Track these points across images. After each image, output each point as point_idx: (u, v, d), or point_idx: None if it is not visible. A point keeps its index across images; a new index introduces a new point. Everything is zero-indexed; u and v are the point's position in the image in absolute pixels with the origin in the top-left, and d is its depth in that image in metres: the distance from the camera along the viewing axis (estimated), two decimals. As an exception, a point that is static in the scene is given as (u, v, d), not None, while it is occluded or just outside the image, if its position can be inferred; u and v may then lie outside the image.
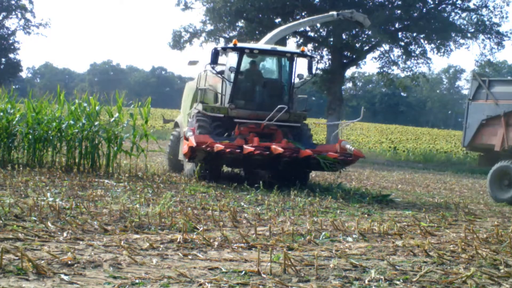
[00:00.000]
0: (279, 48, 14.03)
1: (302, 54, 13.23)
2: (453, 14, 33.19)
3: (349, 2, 30.71)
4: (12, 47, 54.19)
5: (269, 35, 18.19)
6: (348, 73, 38.53)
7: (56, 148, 12.89)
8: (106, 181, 10.64)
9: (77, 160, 12.57)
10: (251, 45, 15.29)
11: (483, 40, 32.74)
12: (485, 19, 32.55)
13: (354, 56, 33.43)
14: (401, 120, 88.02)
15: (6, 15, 53.46)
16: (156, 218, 6.83)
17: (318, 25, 29.97)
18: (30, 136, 12.61)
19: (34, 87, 57.70)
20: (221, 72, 13.20)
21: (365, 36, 32.33)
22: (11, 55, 54.28)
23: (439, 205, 10.71)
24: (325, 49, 33.57)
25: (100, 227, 6.13)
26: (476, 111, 13.19)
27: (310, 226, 7.01)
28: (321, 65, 33.90)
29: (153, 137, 13.48)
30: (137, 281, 4.27)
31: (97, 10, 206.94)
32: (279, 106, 12.20)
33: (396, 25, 32.60)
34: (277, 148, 11.16)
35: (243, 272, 4.67)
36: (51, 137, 12.68)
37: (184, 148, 11.61)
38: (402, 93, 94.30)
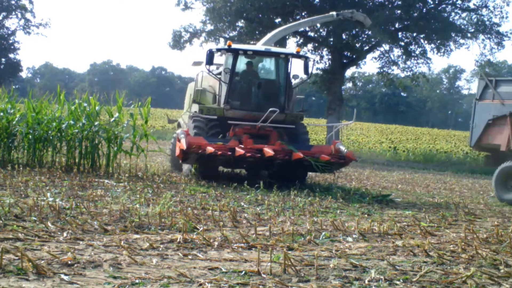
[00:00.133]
0: (273, 49, 14.08)
1: (297, 55, 13.28)
2: (453, 14, 33.20)
3: (349, 2, 30.71)
4: (12, 47, 54.22)
5: (269, 35, 18.23)
6: (348, 73, 38.55)
7: (56, 148, 12.89)
8: (106, 181, 10.64)
9: (77, 160, 12.58)
10: (245, 46, 15.42)
11: (483, 40, 32.75)
12: (485, 19, 32.56)
13: (354, 56, 33.43)
14: (401, 120, 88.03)
15: (6, 15, 53.48)
16: (156, 218, 6.83)
17: (318, 25, 29.99)
18: (30, 136, 12.61)
19: (34, 87, 57.72)
20: (219, 73, 13.27)
21: (365, 36, 32.34)
22: (11, 55, 54.31)
23: (439, 205, 10.71)
24: (325, 49, 33.57)
25: (100, 227, 6.13)
26: (483, 111, 13.15)
27: (310, 226, 7.01)
28: (321, 65, 33.95)
29: (153, 137, 13.48)
30: (137, 281, 4.27)
31: (97, 10, 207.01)
32: (270, 109, 12.31)
33: (396, 25, 32.60)
34: (268, 151, 11.25)
35: (243, 272, 4.67)
36: (51, 137, 12.68)
37: (177, 150, 11.72)
38: (402, 93, 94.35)
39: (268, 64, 14.42)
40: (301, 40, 33.52)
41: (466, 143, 46.91)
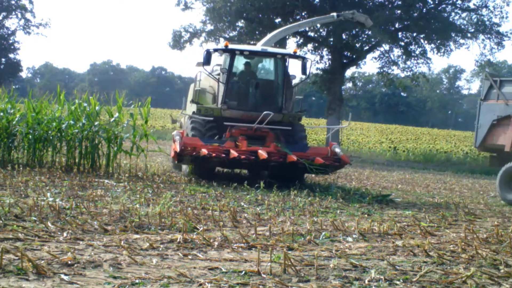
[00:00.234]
0: (270, 49, 14.14)
1: (294, 56, 13.33)
2: (453, 14, 33.20)
3: (349, 2, 30.71)
4: (12, 47, 54.23)
5: (269, 36, 18.27)
6: (348, 73, 38.57)
7: (56, 148, 12.89)
8: (106, 181, 10.64)
9: (77, 160, 12.58)
10: (242, 46, 15.49)
11: (483, 40, 32.76)
12: (485, 19, 32.56)
13: (354, 56, 33.43)
14: (401, 120, 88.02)
15: (6, 15, 53.49)
16: (156, 218, 6.83)
17: (318, 25, 30.00)
18: (30, 136, 12.61)
19: (34, 87, 57.76)
20: (218, 73, 13.32)
21: (365, 36, 32.34)
22: (11, 55, 54.33)
23: (439, 205, 10.71)
24: (325, 49, 33.58)
25: (100, 227, 6.13)
26: (487, 111, 13.10)
27: (310, 226, 7.01)
28: (321, 65, 33.97)
29: (153, 137, 13.49)
30: (137, 281, 4.27)
31: (97, 10, 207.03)
32: (264, 113, 12.38)
33: (396, 25, 32.60)
34: (262, 154, 11.34)
35: (243, 272, 4.67)
36: (51, 137, 12.68)
37: (171, 151, 11.83)
38: (402, 93, 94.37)
39: (266, 64, 14.48)
40: (301, 40, 33.52)
41: (466, 143, 46.93)
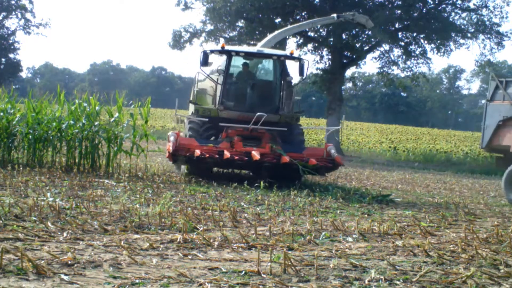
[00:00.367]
0: (266, 51, 14.25)
1: (291, 57, 13.40)
2: (453, 14, 33.22)
3: (349, 3, 30.74)
4: (12, 47, 54.27)
5: (269, 37, 18.38)
6: (348, 73, 38.60)
7: (56, 148, 12.89)
8: (106, 181, 10.64)
9: (77, 160, 12.58)
10: (239, 48, 15.65)
11: (483, 40, 32.77)
12: (485, 19, 32.57)
13: (354, 56, 33.44)
14: (401, 120, 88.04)
15: (6, 15, 53.52)
16: (156, 218, 6.83)
17: (318, 25, 30.03)
18: (30, 136, 12.61)
19: (34, 87, 57.76)
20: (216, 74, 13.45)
21: (365, 36, 32.36)
22: (11, 55, 54.37)
23: (439, 205, 10.71)
24: (325, 49, 33.59)
25: (100, 227, 6.13)
26: (494, 112, 13.04)
27: (310, 226, 7.01)
28: (321, 65, 33.99)
29: (153, 137, 13.49)
30: (137, 281, 4.27)
31: (97, 10, 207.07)
32: (257, 114, 12.47)
33: (396, 25, 32.62)
34: (255, 155, 11.44)
35: (243, 272, 4.67)
36: (51, 137, 12.68)
37: (167, 152, 11.92)
38: (402, 93, 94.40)
39: (263, 65, 14.56)
40: (301, 40, 33.54)
41: (466, 143, 46.94)
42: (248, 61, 13.84)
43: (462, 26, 32.90)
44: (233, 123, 12.66)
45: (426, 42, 33.01)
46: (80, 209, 7.11)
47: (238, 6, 31.15)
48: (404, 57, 33.45)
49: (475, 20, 32.72)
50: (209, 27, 33.59)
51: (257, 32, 32.03)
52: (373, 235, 6.82)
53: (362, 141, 42.41)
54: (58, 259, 4.65)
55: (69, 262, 4.60)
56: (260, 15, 31.73)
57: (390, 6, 32.03)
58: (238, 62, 13.81)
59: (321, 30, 32.46)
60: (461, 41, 32.86)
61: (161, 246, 5.52)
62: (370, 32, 29.90)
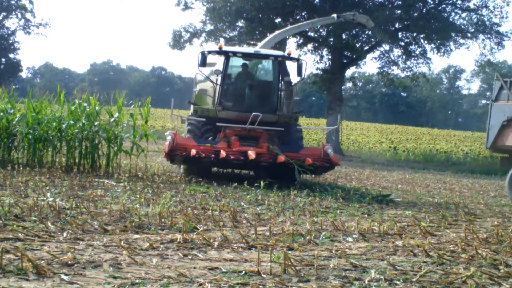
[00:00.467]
0: (263, 51, 14.36)
1: (288, 57, 13.49)
2: (453, 14, 33.22)
3: (349, 2, 30.74)
4: (12, 47, 54.29)
5: (269, 37, 18.47)
6: (348, 73, 38.61)
7: (56, 148, 12.90)
8: (106, 181, 10.64)
9: (77, 160, 12.58)
10: (236, 48, 15.79)
11: (483, 40, 32.77)
12: (485, 19, 32.57)
13: (354, 56, 33.44)
14: (401, 120, 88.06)
15: (6, 15, 53.54)
16: (156, 218, 6.83)
17: (318, 25, 30.06)
18: (30, 136, 12.61)
19: (34, 87, 57.78)
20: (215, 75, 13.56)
21: (365, 36, 32.36)
22: (11, 55, 54.38)
23: (439, 205, 10.71)
24: (325, 49, 33.59)
25: (100, 227, 6.13)
26: (498, 112, 13.00)
27: (310, 226, 7.01)
28: (321, 65, 34.00)
29: (153, 137, 13.50)
30: (137, 281, 4.27)
31: (97, 10, 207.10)
32: (253, 114, 12.53)
33: (396, 25, 32.62)
34: (251, 154, 11.50)
35: (243, 272, 4.67)
36: (51, 137, 12.69)
37: (163, 151, 12.02)
38: (402, 93, 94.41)
39: (261, 66, 14.64)
40: (301, 40, 33.54)
41: (466, 143, 46.95)
42: (247, 62, 13.91)
43: (462, 26, 32.90)
44: (231, 123, 12.71)
45: (426, 42, 33.01)
46: (80, 209, 7.11)
47: (238, 6, 31.15)
48: (404, 57, 33.45)
49: (475, 20, 32.72)
50: (209, 27, 33.59)
51: (257, 32, 32.03)
52: (373, 235, 6.82)
53: (362, 141, 42.41)
54: (58, 259, 4.65)
55: (69, 262, 4.60)
56: (260, 15, 31.73)
57: (390, 6, 32.03)
58: (237, 63, 13.89)
59: (321, 30, 32.46)
60: (461, 41, 32.87)
61: (161, 246, 5.52)
62: (370, 32, 29.92)
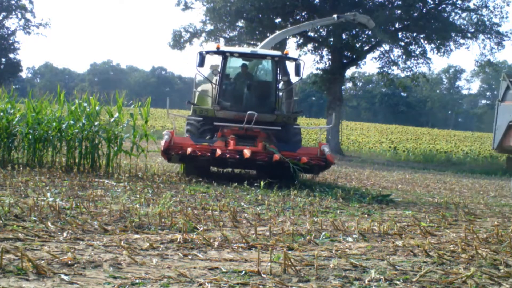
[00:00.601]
0: (260, 51, 14.48)
1: (285, 57, 13.56)
2: (453, 14, 33.21)
3: (349, 2, 30.74)
4: (12, 47, 54.31)
5: (269, 38, 18.58)
6: (348, 73, 38.61)
7: (56, 148, 12.90)
8: (106, 181, 10.64)
9: (77, 160, 12.58)
10: (233, 48, 15.99)
11: (483, 40, 32.76)
12: (485, 19, 32.56)
13: (354, 56, 33.45)
14: (401, 120, 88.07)
15: (6, 15, 53.56)
16: (156, 218, 6.83)
17: (318, 26, 30.08)
18: (30, 136, 12.61)
19: (34, 87, 57.74)
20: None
21: (365, 36, 32.36)
22: (11, 55, 54.41)
23: (439, 205, 10.71)
24: (325, 49, 33.59)
25: (100, 227, 6.13)
26: (504, 112, 12.88)
27: (310, 226, 7.01)
28: (321, 65, 34.00)
29: (153, 137, 13.50)
30: (137, 281, 4.27)
31: (97, 10, 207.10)
32: (248, 113, 12.61)
33: (396, 25, 32.61)
34: (246, 153, 11.58)
35: (243, 272, 4.67)
36: (51, 137, 12.69)
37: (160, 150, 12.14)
38: (402, 93, 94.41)
39: (260, 66, 14.72)
40: (301, 40, 33.54)
41: (466, 143, 46.95)
42: (247, 63, 13.99)
43: (462, 26, 32.90)
44: (229, 123, 12.78)
45: (426, 42, 33.01)
46: (80, 209, 7.11)
47: (238, 6, 31.15)
48: (404, 57, 33.45)
49: (475, 20, 32.71)
50: (209, 27, 33.59)
51: (257, 32, 32.04)
52: (373, 235, 6.82)
53: (362, 141, 42.42)
54: (58, 259, 4.65)
55: (69, 262, 4.60)
56: (260, 15, 31.73)
57: (390, 6, 32.03)
58: (237, 63, 13.98)
59: (321, 30, 32.47)
60: (461, 41, 32.86)
61: (161, 246, 5.51)
62: (370, 32, 29.92)
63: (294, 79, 14.16)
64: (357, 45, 32.82)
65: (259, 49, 15.13)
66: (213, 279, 4.41)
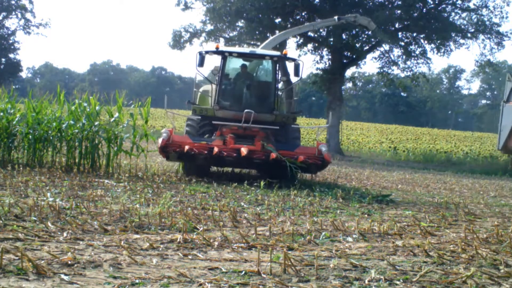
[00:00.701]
0: (259, 51, 14.58)
1: (284, 57, 13.62)
2: (453, 14, 33.23)
3: (349, 2, 30.75)
4: (12, 47, 54.33)
5: (270, 39, 18.71)
6: (348, 73, 38.61)
7: (56, 148, 12.90)
8: (106, 181, 10.64)
9: (77, 160, 12.58)
10: (232, 48, 16.11)
11: (483, 40, 32.78)
12: (485, 19, 32.58)
13: (354, 56, 33.46)
14: (401, 120, 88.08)
15: (6, 15, 53.58)
16: (156, 218, 6.83)
17: (319, 27, 30.11)
18: (30, 136, 12.61)
19: (34, 87, 57.77)
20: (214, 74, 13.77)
21: (365, 36, 32.37)
22: (11, 55, 54.42)
23: (439, 205, 10.70)
24: (325, 49, 33.60)
25: (100, 227, 6.13)
26: (509, 113, 12.83)
27: (310, 226, 7.00)
28: (321, 65, 34.01)
29: (153, 137, 13.51)
30: (137, 281, 4.27)
31: (97, 10, 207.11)
32: (245, 111, 12.72)
33: (396, 25, 32.62)
34: (243, 151, 11.66)
35: (243, 272, 4.67)
36: (51, 137, 12.69)
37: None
38: (402, 93, 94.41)
39: (262, 66, 14.76)
40: (301, 40, 33.55)
41: (466, 143, 46.94)
42: (246, 63, 14.06)
43: (462, 26, 32.90)
44: (228, 122, 12.85)
45: (426, 42, 33.02)
46: (80, 209, 7.11)
47: (238, 6, 31.15)
48: (404, 57, 33.46)
49: (475, 20, 32.72)
50: (209, 27, 33.60)
51: (257, 32, 32.04)
52: (373, 235, 6.82)
53: (362, 141, 42.42)
54: (58, 259, 4.65)
55: (69, 262, 4.60)
56: (260, 15, 31.74)
57: (390, 6, 32.03)
58: (237, 64, 14.06)
59: (321, 30, 32.47)
60: (461, 41, 32.87)
61: (161, 246, 5.51)
62: (370, 32, 29.93)
63: (293, 79, 14.18)
64: (357, 45, 32.83)
65: (257, 49, 15.19)
66: (213, 279, 4.41)
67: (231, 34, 33.72)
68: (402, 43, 33.10)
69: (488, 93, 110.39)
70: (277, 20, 32.63)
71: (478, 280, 4.80)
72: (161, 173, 12.84)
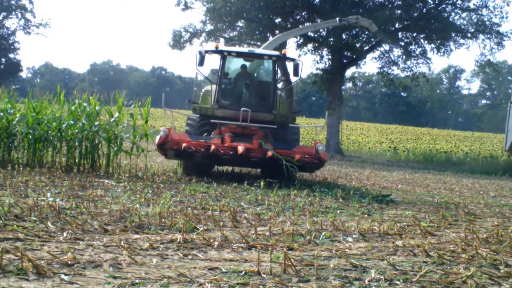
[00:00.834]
0: (258, 51, 14.67)
1: (282, 57, 13.70)
2: (453, 14, 33.24)
3: (349, 3, 30.75)
4: (12, 47, 54.34)
5: (271, 40, 18.79)
6: (348, 73, 38.64)
7: (56, 148, 12.90)
8: (106, 181, 10.64)
9: (77, 160, 12.58)
10: (231, 48, 16.21)
11: (483, 40, 32.79)
12: (485, 19, 32.60)
13: (354, 56, 33.46)
14: (401, 120, 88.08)
15: (6, 15, 53.58)
16: (156, 218, 6.83)
17: (320, 28, 30.13)
18: (30, 136, 12.61)
19: (34, 87, 57.79)
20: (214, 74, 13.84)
21: (365, 36, 32.37)
22: (11, 55, 54.43)
23: (439, 205, 10.70)
24: (325, 49, 33.61)
25: (100, 227, 6.13)
26: None
27: (310, 226, 7.00)
28: (321, 65, 34.02)
29: (153, 137, 13.51)
30: (137, 281, 4.27)
31: (97, 10, 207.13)
32: (242, 109, 12.82)
33: (396, 25, 32.63)
34: (240, 149, 11.74)
35: (243, 272, 4.67)
36: (51, 137, 12.69)
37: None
38: (402, 93, 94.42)
39: (262, 66, 14.83)
40: (301, 41, 33.56)
41: (466, 143, 46.94)
42: (246, 63, 14.12)
43: (462, 26, 32.91)
44: (227, 121, 12.91)
45: (426, 42, 33.03)
46: (80, 209, 7.11)
47: (238, 6, 31.17)
48: (404, 57, 33.47)
49: (475, 20, 32.74)
50: (209, 27, 33.61)
51: (257, 32, 32.05)
52: (373, 235, 6.82)
53: (362, 141, 42.42)
54: (58, 259, 4.65)
55: (69, 262, 4.60)
56: (260, 15, 31.75)
57: (390, 6, 32.04)
58: (237, 64, 14.12)
59: (321, 30, 32.48)
60: (461, 41, 32.89)
61: (161, 246, 5.51)
62: (370, 32, 29.95)
63: (293, 79, 14.22)
64: (357, 45, 32.84)
65: (256, 49, 15.26)
66: (213, 279, 4.41)
67: (231, 34, 33.73)
68: (402, 43, 33.11)
69: (488, 93, 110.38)
70: (277, 20, 32.64)
71: (478, 280, 4.80)
72: (161, 173, 12.84)
